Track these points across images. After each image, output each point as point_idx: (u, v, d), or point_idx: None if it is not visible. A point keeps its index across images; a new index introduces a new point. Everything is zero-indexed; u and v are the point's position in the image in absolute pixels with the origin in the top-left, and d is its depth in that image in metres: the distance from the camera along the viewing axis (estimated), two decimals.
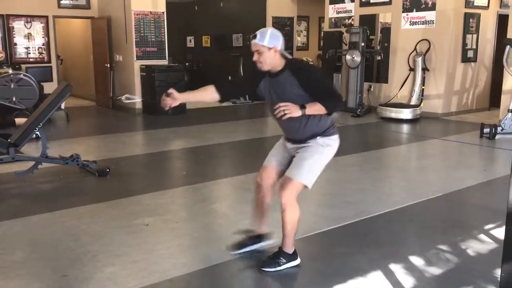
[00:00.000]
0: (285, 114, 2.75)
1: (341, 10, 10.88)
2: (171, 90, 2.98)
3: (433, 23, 9.21)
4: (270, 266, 3.10)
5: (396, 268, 3.12)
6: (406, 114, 8.99)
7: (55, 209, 4.24)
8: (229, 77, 13.02)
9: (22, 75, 5.56)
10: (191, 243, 3.58)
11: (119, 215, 4.12)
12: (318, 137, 2.99)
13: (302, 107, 2.78)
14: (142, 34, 9.81)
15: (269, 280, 3.05)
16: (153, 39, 9.96)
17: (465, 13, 9.29)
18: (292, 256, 3.13)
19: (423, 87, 9.37)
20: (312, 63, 14.39)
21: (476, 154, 6.76)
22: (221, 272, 3.15)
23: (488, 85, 10.23)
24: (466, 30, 9.39)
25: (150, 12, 9.85)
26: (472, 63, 9.76)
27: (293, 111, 2.76)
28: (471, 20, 9.43)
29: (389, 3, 9.88)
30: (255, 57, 2.87)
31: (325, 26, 11.45)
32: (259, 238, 3.30)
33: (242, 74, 3.63)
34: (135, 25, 9.68)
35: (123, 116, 9.94)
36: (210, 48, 14.54)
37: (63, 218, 4.05)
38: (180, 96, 2.99)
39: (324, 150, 3.01)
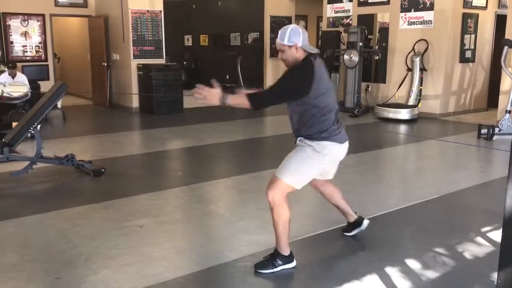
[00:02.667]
0: (200, 98, 2.83)
1: (339, 9, 10.85)
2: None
3: (431, 23, 9.18)
4: (265, 268, 3.08)
5: (393, 272, 3.09)
6: (404, 114, 8.96)
7: (48, 210, 4.20)
8: (227, 77, 13.01)
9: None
10: (185, 245, 3.55)
11: (113, 217, 4.08)
12: (307, 140, 2.99)
13: (223, 98, 2.81)
14: (139, 33, 9.77)
15: (264, 283, 3.01)
16: (150, 38, 9.92)
17: (463, 13, 9.27)
18: (288, 258, 3.10)
19: (421, 87, 9.35)
20: None
21: (473, 155, 6.74)
22: (215, 275, 3.12)
23: (486, 85, 10.21)
24: (464, 30, 9.37)
25: (148, 10, 9.81)
26: (470, 64, 9.74)
27: (210, 98, 2.82)
28: (469, 20, 9.41)
29: (387, 3, 9.85)
30: (279, 56, 2.98)
31: (323, 26, 11.41)
32: (353, 225, 3.56)
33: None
34: (132, 24, 9.64)
35: (120, 115, 9.90)
36: (208, 47, 14.51)
37: (56, 219, 4.01)
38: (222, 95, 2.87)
39: (313, 153, 2.98)
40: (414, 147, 7.16)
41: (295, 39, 2.87)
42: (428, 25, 9.24)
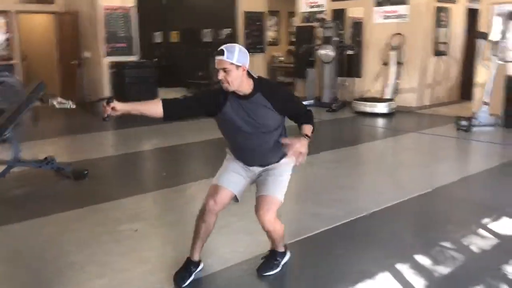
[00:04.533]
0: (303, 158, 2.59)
1: (313, 4, 10.81)
2: (112, 101, 2.59)
3: (406, 17, 9.24)
4: (271, 269, 2.98)
5: (403, 269, 3.03)
6: (381, 108, 9.00)
7: (34, 216, 3.95)
8: (199, 73, 12.80)
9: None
10: (183, 249, 3.37)
11: (103, 221, 3.88)
12: (284, 159, 2.80)
13: (306, 136, 2.65)
14: (111, 30, 9.43)
15: (273, 285, 2.91)
16: (122, 35, 9.59)
17: (437, 7, 9.38)
18: (284, 252, 3.05)
19: (397, 81, 9.41)
20: (282, 58, 14.36)
21: (455, 148, 6.80)
22: (220, 279, 2.99)
23: (459, 78, 10.38)
24: (438, 24, 9.48)
25: (120, 6, 9.49)
26: (444, 57, 9.87)
27: (304, 146, 2.58)
28: (442, 14, 9.52)
29: None
30: (221, 76, 2.54)
31: (297, 21, 11.35)
32: (197, 264, 2.97)
33: (196, 94, 3.00)
34: (104, 21, 9.30)
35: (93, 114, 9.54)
36: (179, 44, 14.22)
37: (43, 226, 3.78)
38: (122, 107, 2.60)
39: (292, 166, 2.86)
40: (396, 141, 7.18)
41: (244, 60, 2.55)
42: (403, 19, 9.30)
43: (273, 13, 13.68)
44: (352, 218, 3.86)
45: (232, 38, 12.04)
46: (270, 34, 13.86)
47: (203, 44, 13.12)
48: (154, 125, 8.11)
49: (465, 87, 10.37)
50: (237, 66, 2.52)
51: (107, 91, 9.51)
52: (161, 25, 14.52)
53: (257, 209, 2.73)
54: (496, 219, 3.84)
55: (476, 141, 6.90)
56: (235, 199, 2.84)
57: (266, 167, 2.83)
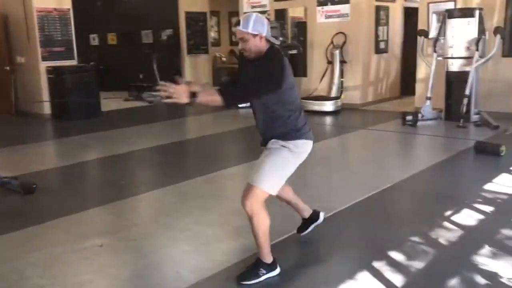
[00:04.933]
0: (168, 97, 2.54)
1: (256, 4, 10.80)
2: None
3: (347, 16, 9.45)
4: (250, 279, 2.89)
5: (381, 266, 3.06)
6: (329, 106, 9.14)
7: None
8: (140, 76, 12.45)
9: None
10: (158, 261, 3.24)
11: (64, 238, 3.64)
12: (278, 140, 2.82)
13: (193, 94, 2.56)
14: (46, 33, 8.96)
15: None
16: (59, 38, 9.15)
17: (376, 6, 9.67)
18: (272, 266, 2.94)
19: (342, 79, 9.61)
20: (224, 58, 14.25)
21: (405, 142, 7.03)
22: None
23: (399, 74, 10.76)
24: (378, 22, 9.78)
25: (55, 9, 9.03)
26: (384, 54, 10.20)
27: (180, 96, 2.53)
28: (381, 12, 9.83)
29: None
30: (241, 45, 2.75)
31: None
32: (310, 220, 3.42)
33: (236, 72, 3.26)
34: (38, 23, 8.81)
35: (31, 122, 9.02)
36: (117, 46, 13.80)
37: None
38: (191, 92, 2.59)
39: (288, 154, 2.84)
40: (348, 138, 7.32)
41: (260, 28, 2.69)
42: (345, 18, 9.50)
43: (213, 13, 13.56)
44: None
45: (174, 39, 11.84)
46: (211, 35, 13.73)
47: (143, 45, 12.79)
48: (97, 133, 7.82)
49: (404, 83, 10.79)
50: (254, 35, 2.68)
51: (45, 97, 9.05)
52: (97, 27, 14.00)
53: (242, 196, 2.83)
54: (457, 210, 3.97)
55: (422, 135, 7.17)
56: None
57: (265, 148, 2.90)
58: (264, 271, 2.90)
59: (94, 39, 14.31)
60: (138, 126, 8.46)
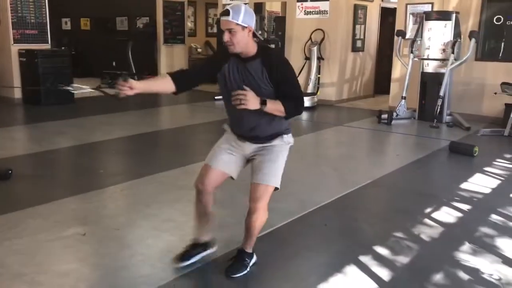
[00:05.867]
0: (241, 103, 2.49)
1: None
2: (127, 79, 2.52)
3: (327, 13, 9.52)
4: (239, 271, 2.89)
5: (366, 260, 3.11)
6: (305, 102, 9.16)
7: None
8: (114, 63, 12.23)
9: None
10: (145, 252, 3.19)
11: (44, 226, 3.54)
12: (284, 136, 2.80)
13: (263, 102, 2.53)
14: (19, 14, 8.66)
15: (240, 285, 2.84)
16: (33, 21, 8.86)
17: (355, 5, 9.77)
18: (252, 254, 2.98)
19: (319, 76, 9.69)
20: (200, 49, 14.14)
21: (382, 140, 7.15)
22: (192, 281, 2.87)
23: (373, 73, 10.93)
24: (356, 21, 9.89)
25: None
26: (360, 53, 10.34)
27: (252, 103, 2.50)
28: (359, 11, 9.95)
29: None
30: (226, 37, 2.55)
31: (219, 13, 11.22)
32: (203, 246, 3.02)
33: (201, 61, 3.04)
34: (11, 4, 8.51)
35: (0, 107, 8.73)
36: (91, 32, 13.49)
37: None
38: (138, 85, 2.53)
39: (287, 148, 2.86)
40: (326, 134, 7.38)
41: (249, 21, 2.55)
42: (324, 15, 9.57)
43: (190, 3, 13.43)
44: (306, 211, 3.91)
45: (150, 28, 11.66)
46: (187, 25, 13.60)
47: (117, 32, 12.54)
48: (70, 119, 7.65)
49: (379, 82, 10.98)
50: (243, 27, 2.53)
51: (17, 81, 8.79)
52: (70, 11, 13.64)
53: (250, 196, 2.74)
54: (437, 208, 4.08)
55: (398, 134, 7.31)
56: (231, 177, 2.86)
57: (259, 146, 2.78)
58: (248, 261, 2.93)
59: (66, 23, 13.95)
60: (112, 114, 8.30)
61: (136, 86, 2.50)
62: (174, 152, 6.01)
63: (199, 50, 14.11)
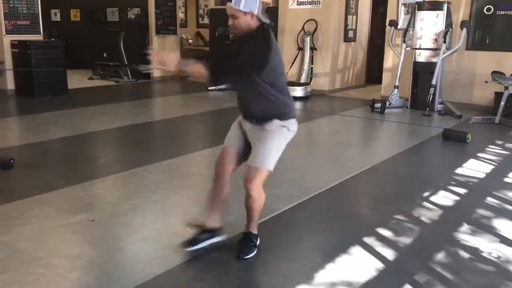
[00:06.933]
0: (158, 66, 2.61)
1: None
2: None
3: (319, 3, 9.58)
4: (249, 252, 2.98)
5: (371, 241, 3.22)
6: (299, 92, 9.27)
7: None
8: (104, 54, 12.18)
9: None
10: (155, 236, 3.27)
11: (52, 213, 3.60)
12: (277, 120, 2.84)
13: (183, 64, 2.63)
14: (11, 5, 8.59)
15: (245, 277, 2.92)
16: (25, 11, 8.79)
17: None
18: (257, 235, 3.06)
19: (312, 66, 9.77)
20: (191, 40, 14.13)
21: (376, 128, 7.27)
22: (202, 263, 2.94)
23: (365, 63, 11.04)
24: (348, 11, 9.97)
25: None
26: (352, 43, 10.42)
27: (170, 62, 2.58)
28: (351, 2, 10.02)
29: None
30: (231, 22, 2.73)
31: (211, 3, 11.23)
32: (211, 233, 3.04)
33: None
34: None
35: None
36: (81, 23, 13.38)
37: None
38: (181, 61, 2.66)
39: (286, 133, 2.91)
40: (322, 123, 7.46)
41: (252, 6, 2.67)
42: (316, 5, 9.63)
43: None
44: (308, 197, 4.00)
45: (142, 18, 11.62)
46: (179, 16, 13.57)
47: (108, 23, 12.46)
48: (65, 110, 7.66)
49: (370, 72, 11.10)
50: (245, 13, 2.68)
51: (9, 72, 8.72)
52: (59, 2, 13.51)
53: (244, 177, 2.84)
54: (434, 192, 4.20)
55: (391, 122, 7.43)
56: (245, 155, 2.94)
57: (256, 127, 2.85)
58: (255, 241, 3.02)
59: (56, 15, 13.81)
60: (107, 104, 8.33)
61: (178, 62, 2.63)
62: (173, 141, 6.05)
63: (190, 41, 14.10)
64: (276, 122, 2.85)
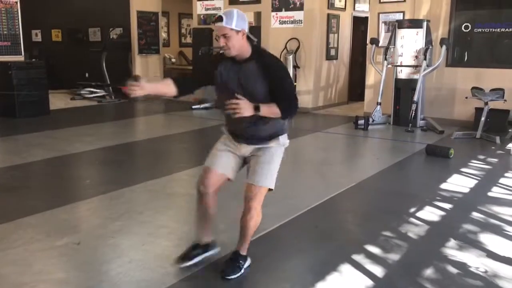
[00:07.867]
0: (235, 112, 2.57)
1: (209, 7, 10.85)
2: (139, 80, 2.69)
3: (301, 22, 9.71)
4: (234, 273, 2.95)
5: (359, 258, 3.22)
6: None
7: None
8: (86, 75, 12.12)
9: None
10: (143, 258, 3.22)
11: (36, 236, 3.52)
12: (280, 137, 2.88)
13: (256, 108, 2.61)
14: None
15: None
16: (5, 32, 8.74)
17: (328, 14, 10.00)
18: (246, 257, 3.04)
19: (295, 84, 9.85)
20: (174, 59, 14.16)
21: (360, 144, 7.33)
22: (190, 286, 2.91)
23: (347, 80, 11.17)
24: (329, 30, 10.12)
25: (1, 1, 8.62)
26: (334, 61, 10.56)
27: (246, 110, 2.59)
28: (333, 20, 10.18)
29: (259, 1, 10.14)
30: (222, 42, 2.67)
31: (194, 23, 11.29)
32: (204, 248, 3.09)
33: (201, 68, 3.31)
34: None
35: None
36: (62, 43, 13.33)
37: None
38: (148, 86, 2.70)
39: (282, 149, 2.95)
40: (306, 140, 7.48)
41: (243, 25, 2.65)
42: (298, 24, 9.76)
43: (163, 13, 13.44)
44: (296, 215, 4.00)
45: (124, 38, 11.62)
46: (162, 35, 13.61)
47: (90, 44, 12.43)
48: (47, 131, 7.57)
49: (352, 89, 11.24)
50: (237, 31, 2.64)
51: None
52: (40, 22, 13.45)
53: (244, 196, 2.84)
54: (420, 207, 4.24)
55: (375, 138, 7.51)
56: (229, 178, 2.94)
57: (255, 148, 2.86)
58: (242, 263, 2.99)
59: (37, 35, 13.74)
60: (90, 125, 8.26)
61: (146, 87, 2.67)
62: (157, 161, 6.01)
63: (173, 60, 14.12)
64: (278, 141, 2.88)
